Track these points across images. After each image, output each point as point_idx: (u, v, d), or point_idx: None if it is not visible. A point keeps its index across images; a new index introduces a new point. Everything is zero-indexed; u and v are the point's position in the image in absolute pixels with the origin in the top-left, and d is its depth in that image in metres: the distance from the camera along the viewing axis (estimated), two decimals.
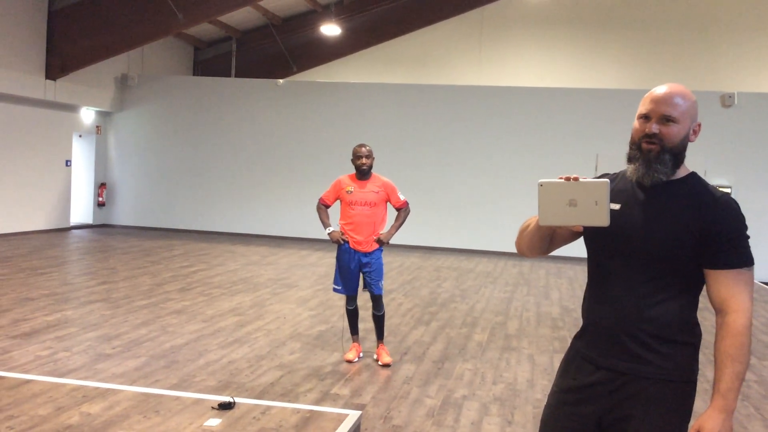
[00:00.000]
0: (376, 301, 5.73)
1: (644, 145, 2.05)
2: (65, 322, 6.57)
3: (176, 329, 6.50)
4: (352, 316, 5.82)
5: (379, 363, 5.63)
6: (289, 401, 4.66)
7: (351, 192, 5.62)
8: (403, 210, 5.76)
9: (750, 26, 15.80)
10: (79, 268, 10.26)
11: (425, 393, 5.02)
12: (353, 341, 5.85)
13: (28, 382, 4.72)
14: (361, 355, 5.87)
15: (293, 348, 6.07)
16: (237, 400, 4.49)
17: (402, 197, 5.76)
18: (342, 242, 5.62)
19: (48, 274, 9.13)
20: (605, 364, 2.09)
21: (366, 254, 5.63)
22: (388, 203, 5.74)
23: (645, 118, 2.06)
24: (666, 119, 2.03)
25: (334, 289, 5.78)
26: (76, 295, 7.93)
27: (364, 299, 6.18)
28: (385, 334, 6.71)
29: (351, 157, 5.64)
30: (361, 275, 5.71)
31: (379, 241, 5.62)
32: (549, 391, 2.29)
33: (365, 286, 5.71)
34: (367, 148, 5.63)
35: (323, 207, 5.80)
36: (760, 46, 15.75)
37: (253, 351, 5.90)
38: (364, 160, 5.58)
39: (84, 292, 8.07)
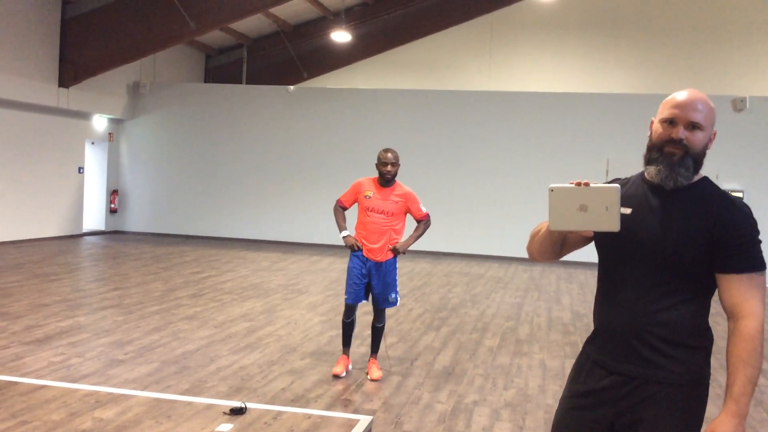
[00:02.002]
0: (379, 314, 5.51)
1: (668, 149, 2.05)
2: (78, 328, 6.61)
3: (188, 335, 6.53)
4: (348, 328, 5.58)
5: (369, 377, 5.42)
6: (300, 406, 4.66)
7: (369, 197, 5.38)
8: (423, 222, 5.51)
9: (761, 30, 15.73)
10: (91, 274, 10.32)
11: (436, 398, 5.01)
12: (343, 353, 5.63)
13: (41, 387, 4.75)
14: (350, 368, 5.67)
15: (304, 353, 6.08)
16: (248, 405, 4.50)
17: (424, 209, 5.50)
18: (356, 248, 5.40)
19: (61, 281, 9.20)
20: (616, 368, 2.09)
21: (378, 263, 5.42)
22: (409, 215, 5.50)
23: (670, 122, 2.06)
24: (693, 126, 2.04)
25: (346, 301, 5.54)
26: (89, 301, 7.97)
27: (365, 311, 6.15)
28: (396, 340, 6.73)
29: (375, 162, 5.41)
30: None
31: (395, 250, 5.39)
32: (560, 396, 2.29)
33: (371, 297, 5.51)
34: (394, 153, 5.34)
35: (340, 209, 5.57)
36: None
37: (264, 356, 5.91)
38: (389, 168, 5.30)
39: (96, 298, 8.12)
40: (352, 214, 5.58)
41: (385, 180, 5.39)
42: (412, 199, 5.47)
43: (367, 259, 5.43)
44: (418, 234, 5.52)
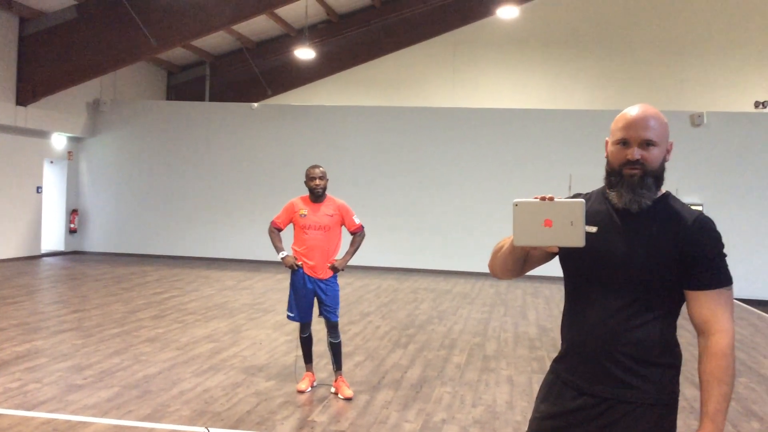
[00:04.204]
0: (333, 328, 5.51)
1: (626, 171, 2.03)
2: (35, 352, 6.42)
3: (149, 358, 6.38)
4: (306, 344, 5.63)
5: (340, 397, 5.37)
6: (265, 430, 4.57)
7: (305, 215, 5.43)
8: (358, 234, 5.57)
9: (718, 46, 16.13)
10: (49, 296, 10.06)
11: (404, 418, 4.96)
12: (306, 370, 5.67)
13: None
14: (315, 384, 5.67)
15: (269, 374, 5.98)
16: (212, 430, 4.40)
17: (357, 221, 5.55)
18: (296, 267, 5.44)
19: (18, 304, 8.94)
20: (588, 389, 2.06)
21: (321, 281, 5.45)
22: (344, 227, 5.56)
23: (624, 143, 2.04)
24: (647, 143, 2.02)
25: (288, 317, 5.56)
26: (47, 324, 7.76)
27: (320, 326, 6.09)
28: (362, 358, 6.66)
29: (304, 179, 5.46)
30: (315, 302, 5.54)
31: (334, 268, 5.44)
32: (528, 412, 2.26)
33: (321, 313, 5.52)
34: (321, 169, 5.43)
35: (275, 231, 5.60)
36: (729, 66, 16.09)
37: (228, 378, 5.80)
38: (317, 182, 5.37)
39: (55, 321, 7.91)
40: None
41: (316, 195, 5.45)
42: (347, 211, 5.54)
43: (309, 276, 5.46)
44: (355, 248, 5.59)
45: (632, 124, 2.02)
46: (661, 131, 2.03)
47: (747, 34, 16.10)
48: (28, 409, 4.76)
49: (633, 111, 2.05)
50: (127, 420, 4.63)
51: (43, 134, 14.52)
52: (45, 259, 14.42)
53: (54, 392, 5.20)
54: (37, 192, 14.44)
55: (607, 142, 2.11)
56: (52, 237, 15.46)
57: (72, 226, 15.65)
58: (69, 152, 15.53)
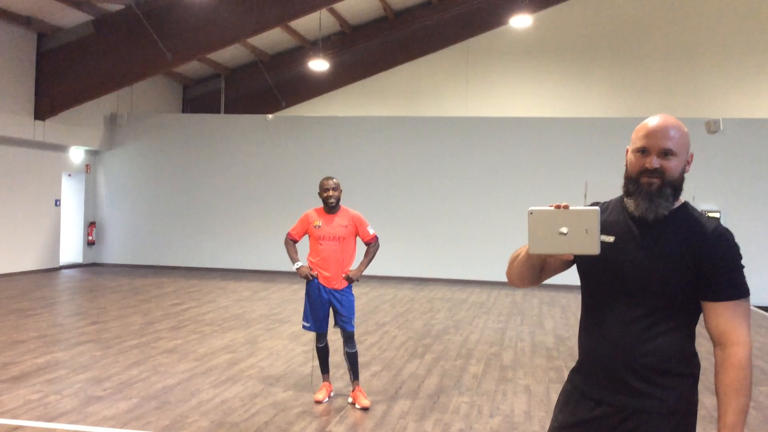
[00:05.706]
0: (349, 338, 5.52)
1: (644, 180, 2.03)
2: (55, 364, 6.48)
3: (168, 369, 6.42)
4: (323, 353, 5.64)
5: (357, 407, 5.37)
6: None
7: (319, 227, 5.47)
8: (372, 245, 5.60)
9: (734, 53, 16.05)
10: (68, 308, 10.15)
11: (421, 428, 4.95)
12: (323, 380, 5.67)
13: (17, 428, 4.63)
14: (332, 394, 5.68)
15: (287, 385, 6.00)
16: None
17: (372, 231, 5.60)
18: (311, 278, 5.48)
19: (37, 316, 9.03)
20: (606, 399, 2.06)
21: (336, 291, 5.49)
22: (358, 237, 5.60)
23: (643, 152, 2.04)
24: (665, 153, 2.02)
25: (304, 326, 5.59)
26: (66, 336, 7.83)
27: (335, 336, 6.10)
28: (379, 368, 6.66)
29: (318, 191, 5.52)
30: (331, 312, 5.56)
31: (349, 279, 5.47)
32: (547, 423, 2.26)
33: (336, 323, 5.54)
34: (334, 180, 5.48)
35: (291, 242, 5.65)
36: (744, 72, 15.99)
37: (246, 389, 5.82)
38: (330, 193, 5.43)
39: (74, 333, 7.98)
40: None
41: (330, 207, 5.50)
42: (361, 222, 5.58)
43: (324, 287, 5.49)
44: (369, 258, 5.61)
45: (652, 133, 2.03)
46: (681, 142, 2.03)
47: (762, 39, 16.01)
48: (49, 421, 4.81)
49: (654, 120, 2.05)
50: (146, 431, 4.66)
51: (61, 148, 14.69)
52: (63, 271, 14.55)
53: (74, 404, 5.25)
54: (56, 205, 14.60)
55: (627, 151, 2.12)
56: (71, 249, 15.61)
57: (90, 238, 15.80)
58: (87, 165, 15.70)
